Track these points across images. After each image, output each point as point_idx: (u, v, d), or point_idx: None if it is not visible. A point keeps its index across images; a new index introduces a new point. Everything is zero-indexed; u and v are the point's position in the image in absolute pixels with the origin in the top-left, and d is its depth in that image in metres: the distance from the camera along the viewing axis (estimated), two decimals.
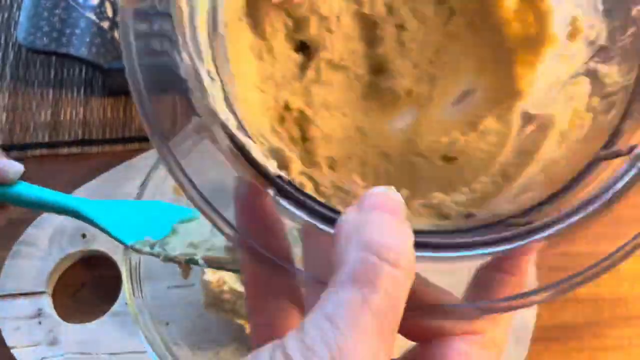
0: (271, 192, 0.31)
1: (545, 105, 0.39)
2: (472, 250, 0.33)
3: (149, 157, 0.65)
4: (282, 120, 0.40)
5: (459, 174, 0.39)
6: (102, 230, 0.47)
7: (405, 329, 0.30)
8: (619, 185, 0.34)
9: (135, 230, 0.48)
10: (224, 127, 0.32)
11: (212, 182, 0.30)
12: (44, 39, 0.66)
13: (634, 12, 0.37)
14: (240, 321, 0.56)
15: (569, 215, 0.34)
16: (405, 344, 0.40)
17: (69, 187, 0.66)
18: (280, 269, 0.30)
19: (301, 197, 0.31)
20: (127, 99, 0.74)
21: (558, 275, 0.68)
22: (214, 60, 0.34)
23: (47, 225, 0.65)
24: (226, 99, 0.33)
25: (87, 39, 0.68)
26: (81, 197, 0.50)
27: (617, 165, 0.34)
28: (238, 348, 0.59)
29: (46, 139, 0.71)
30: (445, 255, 0.32)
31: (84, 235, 0.64)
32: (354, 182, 0.39)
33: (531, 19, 0.41)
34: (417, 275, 0.26)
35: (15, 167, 0.44)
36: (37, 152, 0.70)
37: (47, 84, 0.74)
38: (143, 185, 0.57)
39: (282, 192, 0.31)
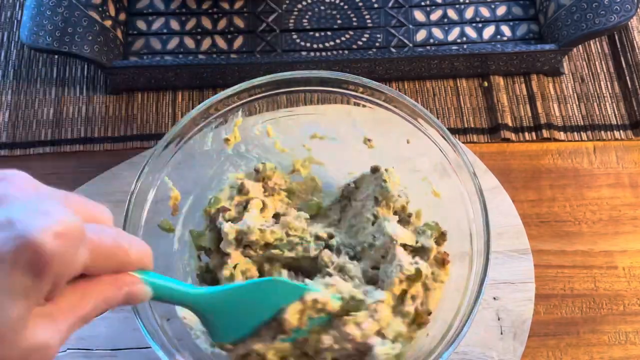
0: None
1: None
2: None
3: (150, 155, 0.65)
4: None
5: None
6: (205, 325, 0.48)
7: None
8: None
9: (234, 325, 0.49)
10: None
11: None
12: (47, 37, 0.66)
13: None
14: None
15: None
16: None
17: (72, 184, 0.67)
18: None
19: None
20: (128, 97, 0.74)
21: (555, 272, 0.69)
22: None
23: None
24: None
25: (90, 38, 0.68)
26: (200, 287, 0.48)
27: None
28: None
29: (49, 137, 0.72)
30: None
31: None
32: None
33: None
34: None
35: (143, 293, 0.41)
36: (40, 149, 0.71)
37: (50, 82, 0.75)
38: None
39: None
